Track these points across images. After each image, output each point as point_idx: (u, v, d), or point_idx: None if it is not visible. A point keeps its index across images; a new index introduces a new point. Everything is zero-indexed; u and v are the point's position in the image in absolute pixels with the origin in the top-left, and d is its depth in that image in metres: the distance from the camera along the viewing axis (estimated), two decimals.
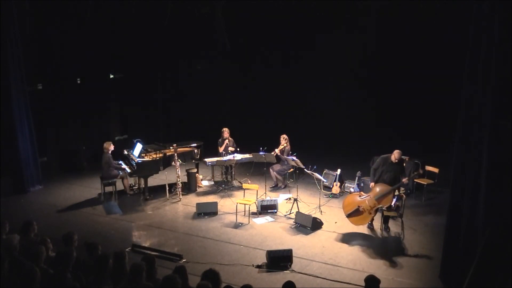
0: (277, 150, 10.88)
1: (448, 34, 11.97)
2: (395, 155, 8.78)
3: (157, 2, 12.80)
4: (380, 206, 8.57)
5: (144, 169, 10.48)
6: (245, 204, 9.55)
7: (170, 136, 14.49)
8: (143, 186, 10.76)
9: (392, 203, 8.69)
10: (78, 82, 13.22)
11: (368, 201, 8.60)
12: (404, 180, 8.80)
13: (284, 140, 10.93)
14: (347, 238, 8.68)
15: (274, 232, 8.97)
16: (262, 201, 9.86)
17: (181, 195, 10.64)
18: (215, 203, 9.89)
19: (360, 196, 8.80)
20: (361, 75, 14.05)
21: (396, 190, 8.83)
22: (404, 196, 8.95)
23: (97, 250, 5.71)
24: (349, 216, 8.77)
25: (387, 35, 13.40)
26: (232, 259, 7.89)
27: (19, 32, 10.71)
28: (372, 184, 8.95)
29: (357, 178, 10.65)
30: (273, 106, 15.16)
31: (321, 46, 14.12)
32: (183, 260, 7.77)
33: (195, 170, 11.39)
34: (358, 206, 8.63)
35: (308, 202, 10.31)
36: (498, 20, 6.01)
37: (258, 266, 7.63)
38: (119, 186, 10.85)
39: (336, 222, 9.00)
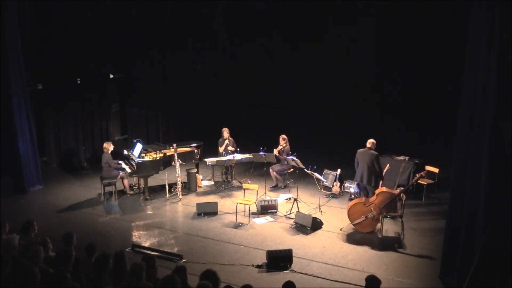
0: (275, 151, 10.88)
1: (448, 33, 11.97)
2: (368, 144, 9.16)
3: (157, 2, 12.80)
4: (386, 214, 8.56)
5: (144, 169, 10.48)
6: (245, 204, 9.55)
7: (170, 136, 14.52)
8: (143, 186, 10.76)
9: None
10: (78, 82, 13.22)
11: (374, 209, 8.54)
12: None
13: (283, 140, 10.91)
14: (347, 238, 8.67)
15: (274, 232, 8.96)
16: (261, 201, 9.86)
17: (181, 195, 10.63)
18: (215, 203, 9.89)
19: (365, 204, 8.67)
20: (362, 75, 14.04)
21: (396, 189, 8.81)
22: (404, 196, 8.94)
23: (95, 250, 5.70)
24: (355, 224, 8.75)
25: (387, 35, 13.39)
26: (232, 259, 7.88)
27: (19, 32, 10.70)
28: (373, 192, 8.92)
29: None
30: (273, 106, 15.16)
31: (321, 47, 14.11)
32: (183, 260, 7.77)
33: (195, 170, 11.38)
34: (365, 217, 8.61)
35: (308, 202, 10.30)
36: (498, 19, 6.01)
37: (258, 266, 7.63)
38: (119, 186, 10.85)
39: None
